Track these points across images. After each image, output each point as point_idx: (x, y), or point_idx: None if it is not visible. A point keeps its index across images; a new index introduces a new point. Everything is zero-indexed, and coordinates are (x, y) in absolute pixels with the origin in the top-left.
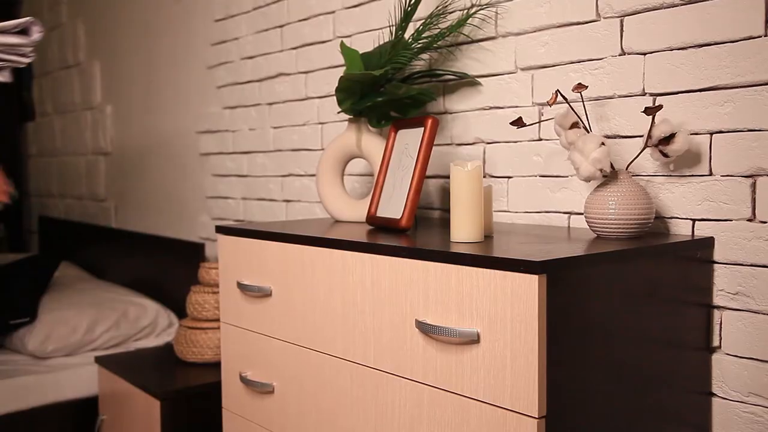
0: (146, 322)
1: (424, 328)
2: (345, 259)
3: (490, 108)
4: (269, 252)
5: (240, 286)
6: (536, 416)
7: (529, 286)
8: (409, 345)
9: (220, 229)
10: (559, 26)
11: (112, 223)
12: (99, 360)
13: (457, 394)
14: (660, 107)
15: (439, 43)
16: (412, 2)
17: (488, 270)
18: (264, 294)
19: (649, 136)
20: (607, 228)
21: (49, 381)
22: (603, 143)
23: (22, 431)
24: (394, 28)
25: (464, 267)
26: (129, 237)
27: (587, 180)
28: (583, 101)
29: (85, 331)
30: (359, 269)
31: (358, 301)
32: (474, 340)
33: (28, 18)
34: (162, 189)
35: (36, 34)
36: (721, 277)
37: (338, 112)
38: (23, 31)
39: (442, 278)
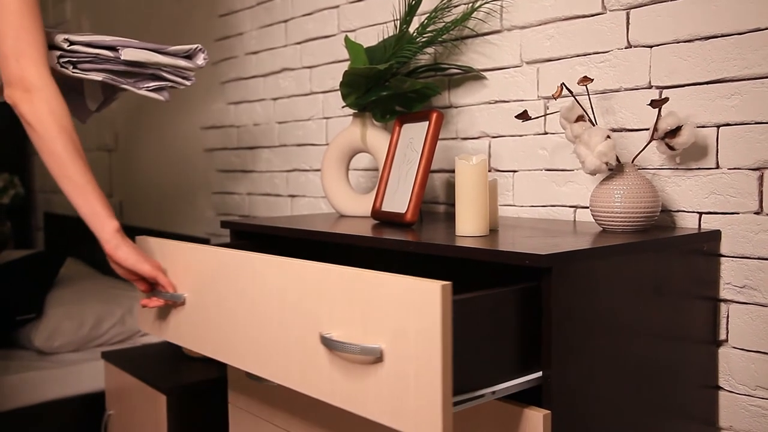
0: None
1: (329, 344)
2: (254, 264)
3: (496, 102)
4: (182, 256)
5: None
6: None
7: (433, 295)
8: (314, 361)
9: (226, 225)
10: (564, 19)
11: (118, 218)
12: (105, 355)
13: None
14: (666, 100)
15: (443, 36)
16: None
17: (391, 277)
18: (179, 302)
19: (655, 129)
20: (612, 221)
21: (56, 376)
22: (608, 136)
23: (29, 427)
24: (398, 22)
25: (365, 272)
26: (134, 233)
27: (593, 173)
28: (588, 94)
29: (91, 326)
30: (267, 274)
31: (267, 310)
32: (378, 358)
33: (196, 45)
34: (167, 185)
35: (201, 60)
36: (728, 270)
37: (343, 107)
38: (189, 56)
39: (347, 287)
